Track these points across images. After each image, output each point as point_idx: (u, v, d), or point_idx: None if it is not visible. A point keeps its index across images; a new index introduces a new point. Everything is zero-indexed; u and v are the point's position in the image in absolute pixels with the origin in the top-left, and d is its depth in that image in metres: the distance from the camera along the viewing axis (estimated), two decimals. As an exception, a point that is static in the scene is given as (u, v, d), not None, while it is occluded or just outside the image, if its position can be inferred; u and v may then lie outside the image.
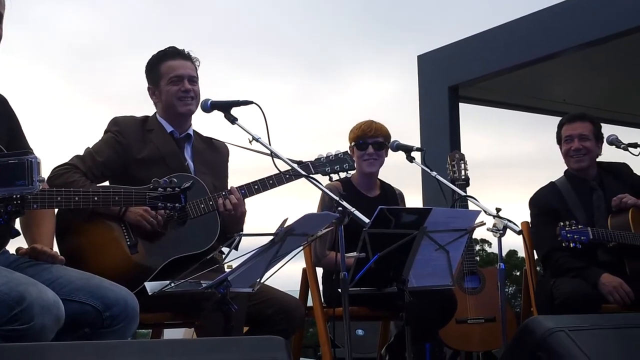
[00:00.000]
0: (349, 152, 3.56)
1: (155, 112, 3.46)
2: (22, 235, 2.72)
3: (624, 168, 4.18)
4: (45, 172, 2.76)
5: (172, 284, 2.25)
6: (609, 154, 4.28)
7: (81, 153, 3.30)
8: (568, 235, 3.67)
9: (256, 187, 3.28)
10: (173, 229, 3.12)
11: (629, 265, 3.86)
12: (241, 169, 3.99)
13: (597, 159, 4.15)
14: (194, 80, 3.39)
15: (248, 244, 2.92)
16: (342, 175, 3.48)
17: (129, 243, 3.07)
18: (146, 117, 3.44)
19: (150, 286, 2.27)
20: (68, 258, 2.68)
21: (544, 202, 4.09)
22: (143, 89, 3.48)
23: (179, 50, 3.42)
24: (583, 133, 4.06)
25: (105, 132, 3.36)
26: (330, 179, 3.45)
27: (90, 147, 3.31)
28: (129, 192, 2.78)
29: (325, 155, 3.42)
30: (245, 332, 3.23)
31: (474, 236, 4.07)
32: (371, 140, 3.95)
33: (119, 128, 3.33)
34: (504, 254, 3.38)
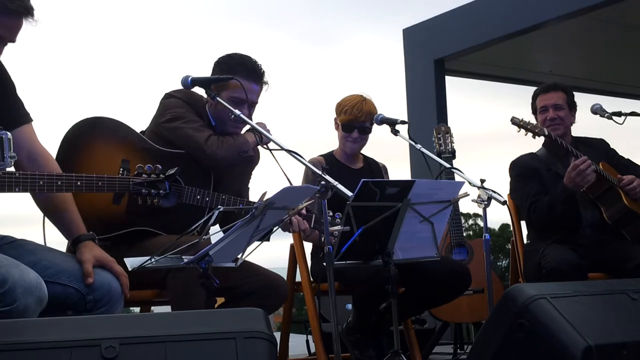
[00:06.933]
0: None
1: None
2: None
3: (600, 142, 4.27)
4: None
5: (153, 260, 2.25)
6: (594, 124, 4.32)
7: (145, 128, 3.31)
8: None
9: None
10: (159, 203, 3.09)
11: (606, 212, 3.94)
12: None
13: (575, 132, 4.23)
14: (254, 106, 3.33)
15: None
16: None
17: (117, 191, 2.96)
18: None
19: (130, 262, 2.27)
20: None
21: (523, 163, 4.17)
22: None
23: (256, 69, 3.29)
24: (557, 103, 4.14)
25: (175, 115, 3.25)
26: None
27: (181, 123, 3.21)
28: (113, 177, 2.75)
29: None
30: (219, 304, 3.22)
31: (466, 210, 4.08)
32: (358, 124, 3.94)
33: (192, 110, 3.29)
34: (497, 227, 3.38)
